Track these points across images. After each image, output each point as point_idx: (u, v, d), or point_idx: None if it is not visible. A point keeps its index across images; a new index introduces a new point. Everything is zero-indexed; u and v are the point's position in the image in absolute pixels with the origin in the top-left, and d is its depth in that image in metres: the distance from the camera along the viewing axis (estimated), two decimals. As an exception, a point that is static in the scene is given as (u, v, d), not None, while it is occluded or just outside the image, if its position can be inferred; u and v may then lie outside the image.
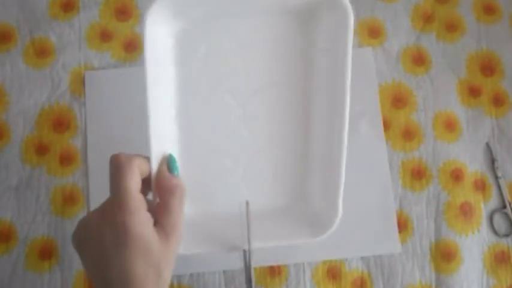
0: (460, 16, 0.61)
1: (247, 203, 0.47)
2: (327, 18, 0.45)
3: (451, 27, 0.61)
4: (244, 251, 0.46)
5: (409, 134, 0.58)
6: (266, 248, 0.47)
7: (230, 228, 0.47)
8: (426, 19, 0.61)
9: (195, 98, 0.47)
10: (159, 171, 0.42)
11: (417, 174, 0.57)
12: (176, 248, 0.40)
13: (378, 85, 0.59)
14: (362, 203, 0.54)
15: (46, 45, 0.59)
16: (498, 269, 0.55)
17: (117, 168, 0.38)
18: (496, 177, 0.57)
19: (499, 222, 0.56)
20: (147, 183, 0.41)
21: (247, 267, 0.46)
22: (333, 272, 0.55)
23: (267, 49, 0.47)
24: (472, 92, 0.59)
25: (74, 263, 0.54)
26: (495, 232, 0.56)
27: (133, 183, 0.38)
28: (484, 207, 0.56)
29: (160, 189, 0.41)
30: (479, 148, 0.58)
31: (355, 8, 0.44)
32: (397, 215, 0.56)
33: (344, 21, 0.43)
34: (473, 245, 0.55)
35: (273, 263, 0.54)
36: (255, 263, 0.47)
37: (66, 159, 0.56)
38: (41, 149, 0.57)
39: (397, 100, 0.59)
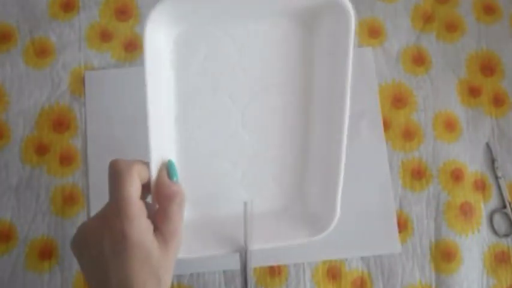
0: (460, 16, 0.61)
1: (246, 203, 0.47)
2: (328, 21, 0.45)
3: (451, 27, 0.61)
4: (241, 254, 0.46)
5: (409, 134, 0.58)
6: (266, 248, 0.47)
7: (230, 230, 0.47)
8: (426, 19, 0.61)
9: (194, 102, 0.47)
10: (159, 177, 0.41)
11: (417, 174, 0.57)
12: (175, 254, 0.40)
13: (377, 85, 0.59)
14: (362, 203, 0.54)
15: (46, 45, 0.59)
16: (498, 269, 0.55)
17: (116, 174, 0.38)
18: (496, 177, 0.57)
19: (499, 222, 0.56)
20: (146, 188, 0.41)
21: (243, 270, 0.46)
22: (333, 272, 0.55)
23: (267, 52, 0.46)
24: (472, 92, 0.59)
25: (74, 263, 0.54)
26: (495, 232, 0.56)
27: (133, 189, 0.38)
28: (484, 207, 0.56)
29: (159, 195, 0.41)
30: (479, 148, 0.58)
31: (355, 8, 0.43)
32: (397, 215, 0.56)
33: (345, 24, 0.43)
34: (473, 245, 0.55)
35: (273, 263, 0.55)
36: (255, 263, 0.47)
37: (66, 159, 0.56)
38: (41, 149, 0.57)
39: (397, 100, 0.59)
